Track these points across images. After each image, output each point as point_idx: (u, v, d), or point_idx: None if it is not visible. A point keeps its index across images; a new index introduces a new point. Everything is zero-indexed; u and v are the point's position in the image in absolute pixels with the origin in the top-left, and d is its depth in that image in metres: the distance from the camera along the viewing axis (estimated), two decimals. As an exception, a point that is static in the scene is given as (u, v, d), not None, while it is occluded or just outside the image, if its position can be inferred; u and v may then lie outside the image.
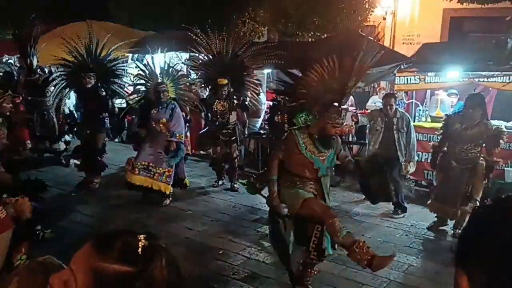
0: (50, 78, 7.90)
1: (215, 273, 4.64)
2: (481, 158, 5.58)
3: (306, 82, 4.28)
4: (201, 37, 7.42)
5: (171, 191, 6.66)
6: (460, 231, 5.62)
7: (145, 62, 7.58)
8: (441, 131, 5.98)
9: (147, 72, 6.87)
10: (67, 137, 8.98)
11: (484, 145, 5.57)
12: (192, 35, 7.52)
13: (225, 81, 7.14)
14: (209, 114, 7.43)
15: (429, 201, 5.99)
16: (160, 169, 6.50)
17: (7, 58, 11.46)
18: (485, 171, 5.56)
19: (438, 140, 6.17)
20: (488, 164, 5.55)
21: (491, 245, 0.79)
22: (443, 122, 6.02)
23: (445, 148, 5.83)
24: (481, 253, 0.80)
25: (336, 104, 4.02)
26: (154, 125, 6.47)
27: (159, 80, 6.70)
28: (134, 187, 6.50)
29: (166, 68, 6.97)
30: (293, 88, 4.49)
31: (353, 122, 8.33)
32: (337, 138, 4.22)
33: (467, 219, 5.48)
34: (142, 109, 6.78)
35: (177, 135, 6.51)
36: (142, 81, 6.91)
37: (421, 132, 7.30)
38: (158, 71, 6.83)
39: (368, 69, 4.56)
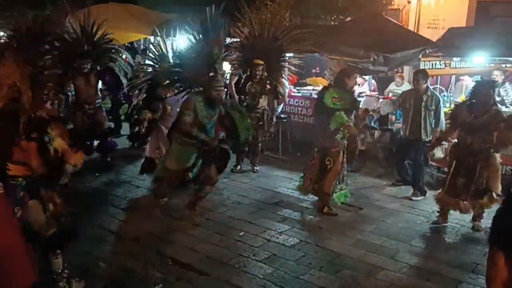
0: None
1: (235, 254, 4.69)
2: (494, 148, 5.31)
3: (182, 65, 5.41)
4: (245, 18, 7.28)
5: None
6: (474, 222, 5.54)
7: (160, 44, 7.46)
8: (449, 120, 5.81)
9: (156, 54, 6.74)
10: None
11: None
12: (237, 14, 7.38)
13: (261, 62, 7.09)
14: (241, 97, 7.38)
15: (439, 194, 5.63)
16: None
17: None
18: None
19: (445, 129, 6.02)
20: None
21: None
22: (452, 111, 5.79)
23: (456, 140, 5.60)
24: None
25: (210, 72, 5.04)
26: (170, 109, 6.45)
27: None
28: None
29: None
30: (179, 74, 5.48)
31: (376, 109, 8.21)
32: (219, 100, 5.19)
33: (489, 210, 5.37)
34: (150, 91, 6.67)
35: None
36: (150, 62, 6.78)
37: (445, 118, 7.18)
38: (170, 54, 6.73)
39: (223, 39, 5.59)
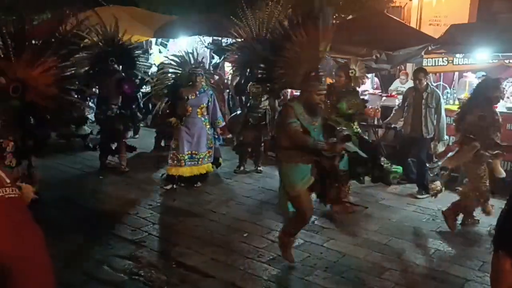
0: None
1: (240, 256, 4.66)
2: None
3: (281, 61, 4.28)
4: (242, 19, 7.32)
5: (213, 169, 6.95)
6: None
7: (169, 47, 7.52)
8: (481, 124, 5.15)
9: (178, 61, 6.84)
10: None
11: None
12: (233, 18, 7.43)
13: None
14: (242, 98, 7.40)
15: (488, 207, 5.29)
16: (202, 153, 6.63)
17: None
18: None
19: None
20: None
21: None
22: (482, 114, 5.14)
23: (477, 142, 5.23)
24: None
25: (313, 72, 4.13)
26: (191, 110, 6.48)
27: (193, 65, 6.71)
28: (183, 179, 6.56)
29: (196, 56, 6.92)
30: (272, 72, 4.46)
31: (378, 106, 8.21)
32: (321, 106, 4.30)
33: None
34: (172, 97, 6.65)
35: (220, 120, 6.69)
36: (172, 70, 6.86)
37: (448, 115, 7.12)
38: (192, 60, 6.80)
39: (332, 29, 4.50)
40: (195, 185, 6.69)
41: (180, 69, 6.76)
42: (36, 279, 2.38)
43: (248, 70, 7.34)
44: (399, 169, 6.93)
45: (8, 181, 1.86)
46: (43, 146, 4.67)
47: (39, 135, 4.46)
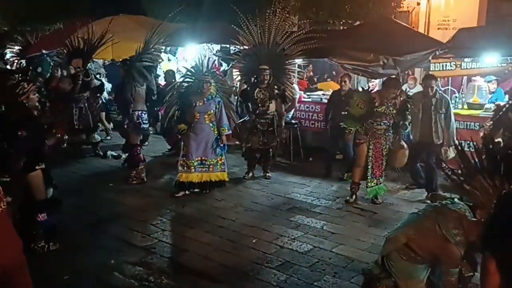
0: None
1: (249, 262, 4.68)
2: None
3: (482, 187, 2.91)
4: (243, 27, 7.43)
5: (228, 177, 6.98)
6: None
7: (177, 56, 7.62)
8: None
9: (193, 70, 6.94)
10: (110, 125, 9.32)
11: None
12: (234, 26, 7.56)
13: (267, 67, 7.24)
14: (249, 104, 7.46)
15: None
16: (212, 159, 6.68)
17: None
18: None
19: None
20: None
21: None
22: None
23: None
24: None
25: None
26: (199, 116, 6.56)
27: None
28: (192, 185, 6.63)
29: (207, 63, 7.00)
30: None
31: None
32: None
33: None
34: (182, 103, 6.75)
35: (226, 128, 6.72)
36: (188, 79, 6.96)
37: (457, 119, 7.09)
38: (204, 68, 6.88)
39: None
40: (204, 191, 6.73)
41: (193, 78, 6.85)
42: (20, 282, 2.46)
43: (254, 77, 7.45)
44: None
45: (2, 193, 1.92)
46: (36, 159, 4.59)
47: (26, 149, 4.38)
